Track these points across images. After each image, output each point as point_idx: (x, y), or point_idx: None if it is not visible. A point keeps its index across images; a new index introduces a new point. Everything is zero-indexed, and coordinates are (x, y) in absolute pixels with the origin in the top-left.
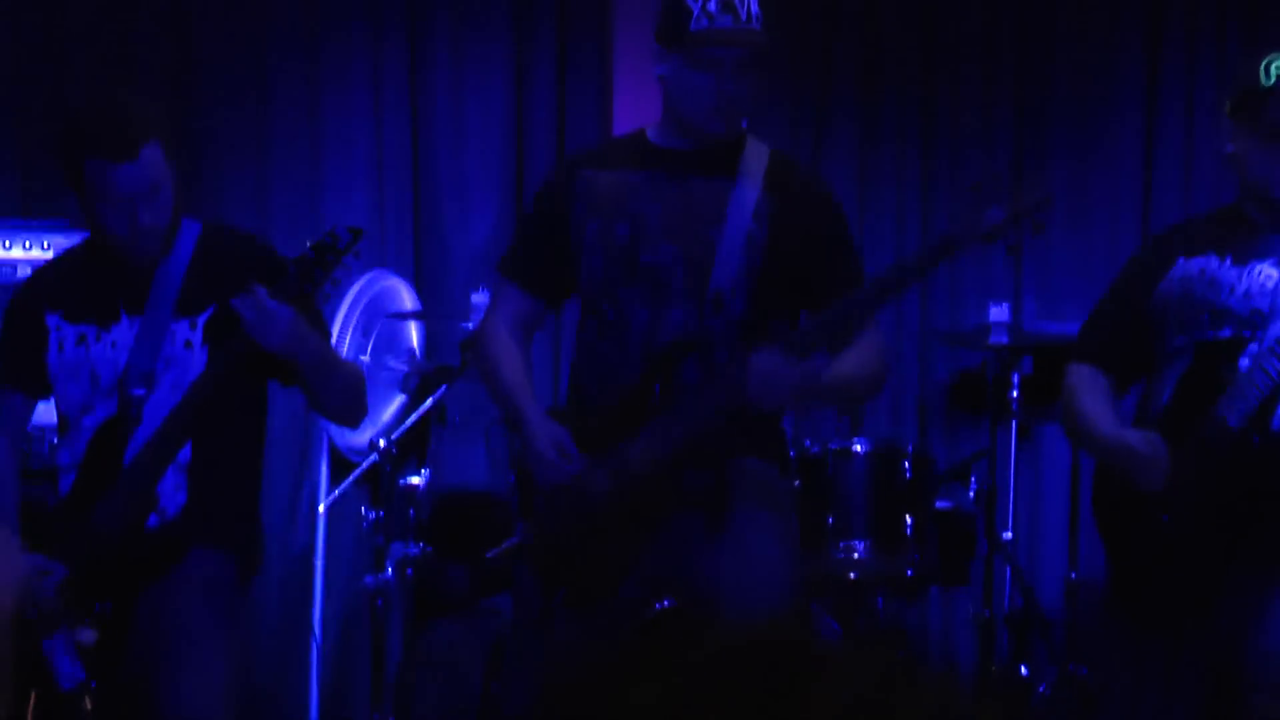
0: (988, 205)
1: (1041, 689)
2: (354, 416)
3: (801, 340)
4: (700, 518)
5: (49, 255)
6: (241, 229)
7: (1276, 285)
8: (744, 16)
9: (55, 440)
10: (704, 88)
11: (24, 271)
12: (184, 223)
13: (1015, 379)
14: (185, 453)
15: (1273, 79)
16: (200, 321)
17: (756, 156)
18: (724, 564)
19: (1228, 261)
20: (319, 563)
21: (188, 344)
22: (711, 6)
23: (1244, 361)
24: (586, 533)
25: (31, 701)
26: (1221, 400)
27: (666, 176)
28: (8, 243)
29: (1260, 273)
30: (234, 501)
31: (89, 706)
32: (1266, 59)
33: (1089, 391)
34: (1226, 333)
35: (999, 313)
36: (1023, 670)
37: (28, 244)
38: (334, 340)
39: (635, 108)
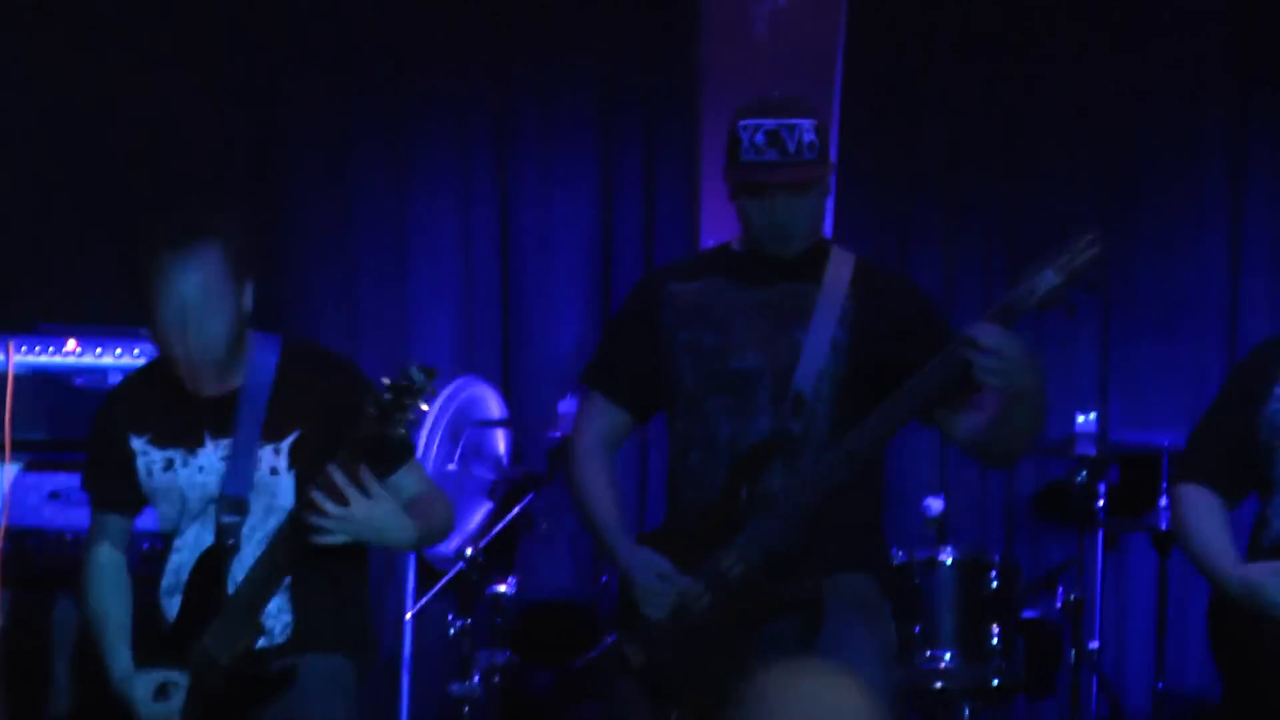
0: (1042, 269)
1: None
2: (438, 546)
3: (1001, 310)
4: (794, 625)
5: (139, 361)
6: (322, 346)
7: None
8: (793, 149)
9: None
10: (756, 215)
11: (114, 378)
12: (263, 340)
13: (1102, 488)
14: (288, 579)
15: None
16: (284, 447)
17: (841, 263)
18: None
19: None
20: (405, 671)
21: (273, 470)
22: (759, 138)
23: None
24: (693, 651)
25: None
26: None
27: (752, 284)
28: (99, 350)
29: None
30: (341, 609)
31: None
32: None
33: (1204, 518)
34: None
35: (1086, 423)
36: None
37: (119, 351)
38: (420, 449)
39: (721, 221)
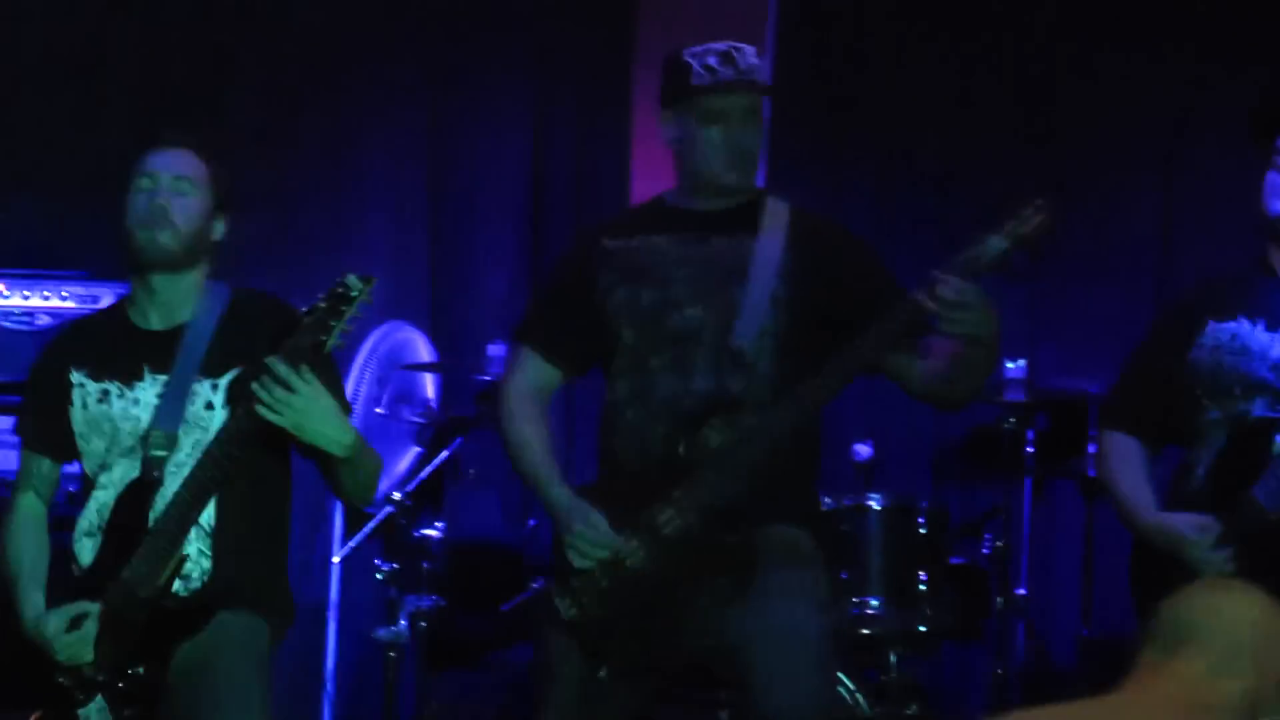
0: (989, 234)
1: None
2: (363, 500)
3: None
4: (732, 582)
5: (68, 305)
6: (270, 294)
7: None
8: (744, 67)
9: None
10: (714, 140)
11: (42, 320)
12: (214, 286)
13: (1030, 435)
14: (209, 517)
15: None
16: (222, 384)
17: (777, 214)
18: (753, 628)
19: (1260, 325)
20: (333, 615)
21: (208, 405)
22: (711, 60)
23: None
24: (625, 606)
25: None
26: (1258, 483)
27: (690, 239)
28: (27, 293)
29: None
30: (260, 565)
31: None
32: None
33: (1127, 466)
34: (1260, 407)
35: (1014, 369)
36: None
37: (46, 294)
38: (349, 390)
39: (654, 171)
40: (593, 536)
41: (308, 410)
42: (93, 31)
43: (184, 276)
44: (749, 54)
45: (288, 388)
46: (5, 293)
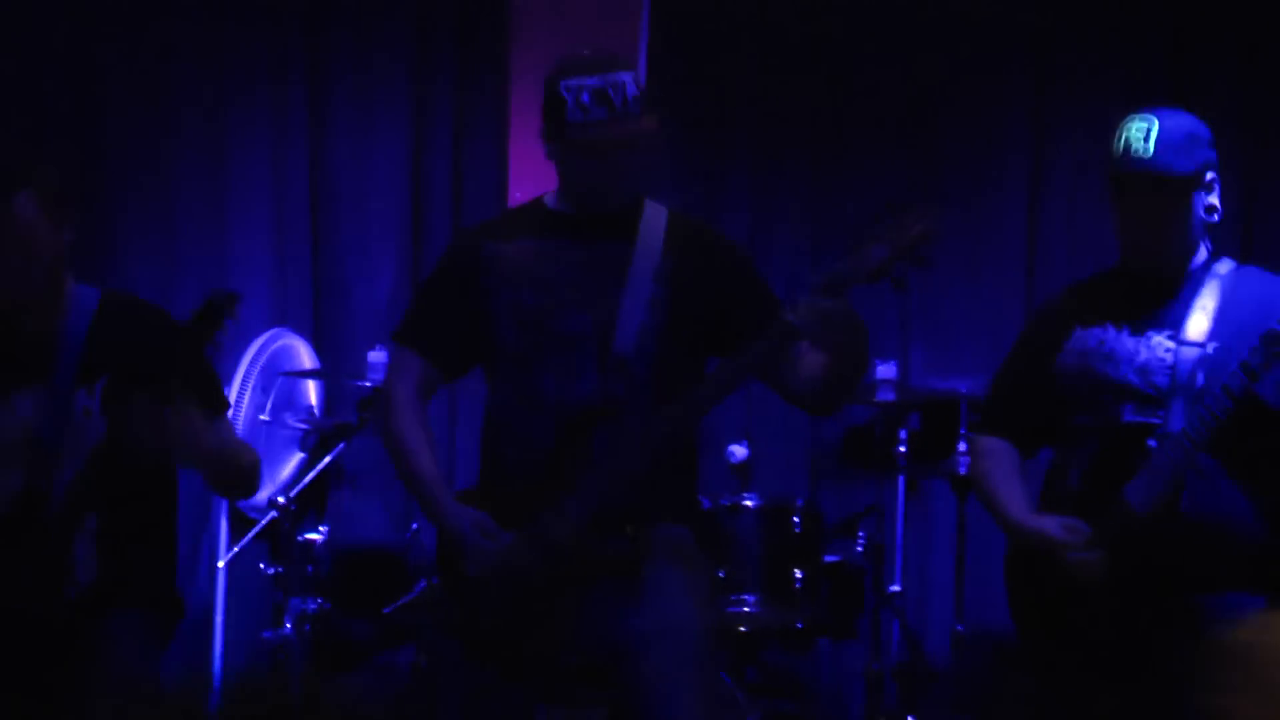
0: (871, 242)
1: None
2: (243, 495)
3: (829, 282)
4: (618, 583)
5: None
6: (138, 297)
7: (1174, 360)
8: (619, 105)
9: None
10: (587, 171)
11: None
12: (81, 290)
13: (903, 435)
14: (93, 522)
15: (1120, 143)
16: (97, 389)
17: (655, 218)
18: (639, 625)
19: (1125, 332)
20: (219, 618)
21: (86, 411)
22: (585, 99)
23: (1151, 442)
24: (514, 611)
25: None
26: (1130, 486)
27: (570, 242)
28: None
29: (1158, 345)
30: (148, 565)
31: None
32: (1122, 125)
33: (999, 468)
34: (1129, 412)
35: (886, 370)
36: None
37: None
38: (232, 400)
39: (529, 173)
40: (483, 543)
41: (173, 431)
42: None
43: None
44: (626, 86)
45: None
46: None
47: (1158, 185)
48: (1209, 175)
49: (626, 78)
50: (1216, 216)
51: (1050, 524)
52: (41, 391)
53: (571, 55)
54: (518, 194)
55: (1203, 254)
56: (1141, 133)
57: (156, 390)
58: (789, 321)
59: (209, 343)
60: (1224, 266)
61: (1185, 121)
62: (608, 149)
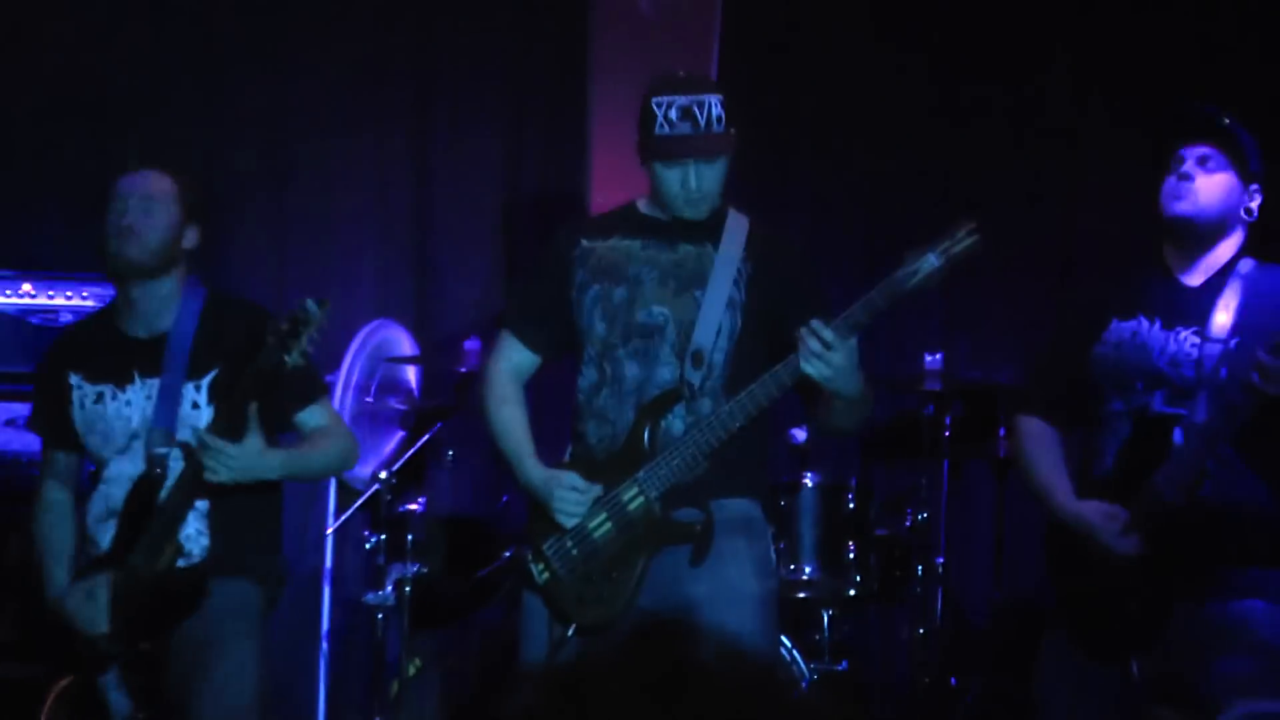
0: (925, 254)
1: (969, 698)
2: (337, 475)
3: (845, 323)
4: (687, 551)
5: (88, 303)
6: (241, 296)
7: (1200, 354)
8: (703, 122)
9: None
10: (672, 181)
11: (65, 317)
12: (193, 291)
13: (947, 420)
14: (205, 500)
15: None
16: (204, 384)
17: (737, 226)
18: (705, 590)
19: (1157, 325)
20: (326, 581)
21: (194, 404)
22: (673, 114)
23: (1178, 434)
24: (592, 573)
25: None
26: (1159, 473)
27: (658, 243)
28: (51, 292)
29: (1185, 339)
30: (254, 538)
31: None
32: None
33: (1042, 450)
34: (1159, 399)
35: (933, 362)
36: (952, 681)
37: (69, 294)
38: (341, 384)
39: (610, 183)
40: (574, 496)
41: (239, 466)
42: (105, 57)
43: (159, 284)
44: (711, 104)
45: (218, 450)
46: (32, 292)
47: (1227, 142)
48: (1257, 184)
49: (712, 99)
50: (1251, 217)
51: (1092, 509)
52: (155, 385)
53: (666, 74)
54: (599, 199)
55: (1231, 251)
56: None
57: (260, 384)
58: (801, 367)
59: (300, 346)
60: (1246, 266)
61: (1243, 134)
62: (689, 163)
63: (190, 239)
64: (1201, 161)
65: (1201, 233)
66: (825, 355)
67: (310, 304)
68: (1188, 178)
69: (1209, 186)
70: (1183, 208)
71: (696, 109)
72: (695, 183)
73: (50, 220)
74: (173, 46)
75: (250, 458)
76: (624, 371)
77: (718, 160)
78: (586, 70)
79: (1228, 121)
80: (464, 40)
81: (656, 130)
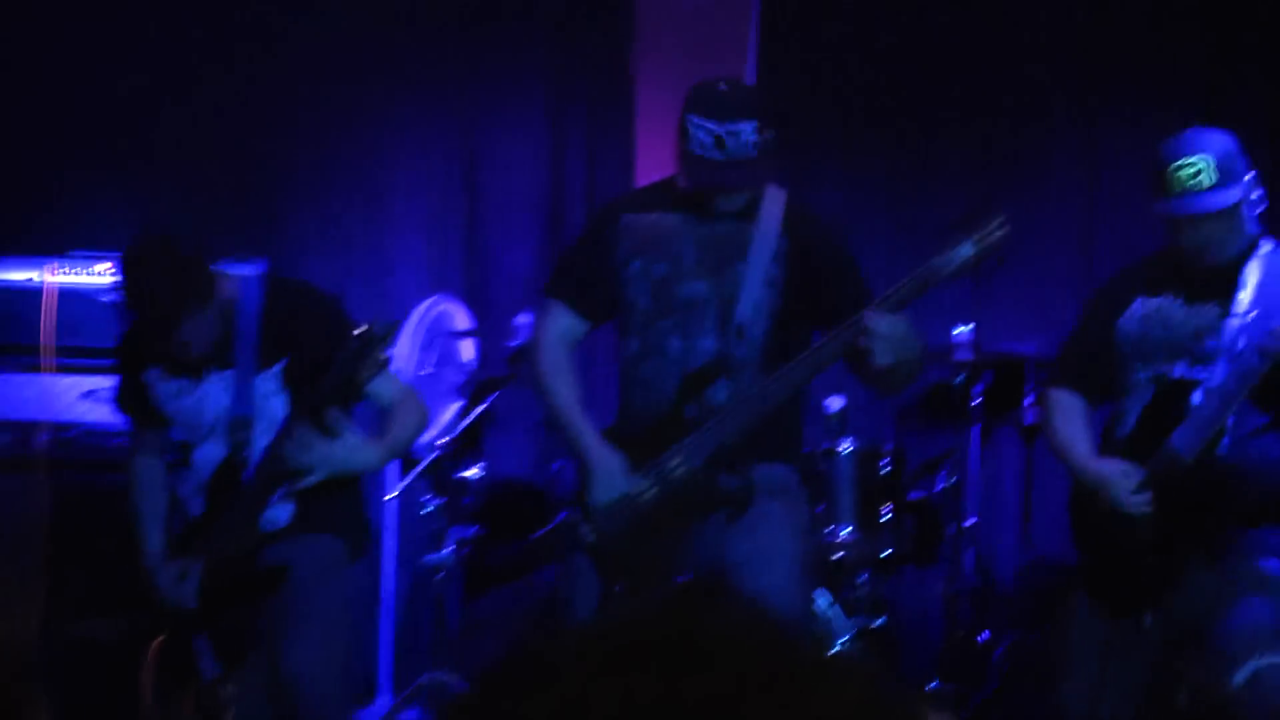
0: (960, 242)
1: (998, 652)
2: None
3: (895, 296)
4: (728, 514)
5: None
6: (301, 281)
7: (1222, 328)
8: (734, 149)
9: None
10: (707, 193)
11: None
12: (245, 281)
13: (977, 389)
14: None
15: (1172, 187)
16: (275, 373)
17: (774, 202)
18: (743, 550)
19: (1180, 301)
20: (389, 544)
21: (268, 393)
22: (705, 138)
23: (1196, 397)
24: (638, 535)
25: (189, 693)
26: (1176, 433)
27: (697, 219)
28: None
29: (1208, 313)
30: (337, 497)
31: (227, 695)
32: (1168, 168)
33: (1067, 418)
34: (1180, 367)
35: (963, 334)
36: (982, 635)
37: None
38: (400, 354)
39: (654, 163)
40: (612, 480)
41: (329, 460)
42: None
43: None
44: (744, 133)
45: (309, 448)
46: (107, 272)
47: (1215, 218)
48: (1250, 180)
49: (747, 126)
50: (1263, 204)
51: (1110, 468)
52: (229, 376)
53: (707, 87)
54: (643, 180)
55: (1250, 236)
56: (1190, 176)
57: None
58: (848, 333)
59: (370, 364)
60: (1267, 246)
61: (1224, 144)
62: (717, 186)
63: (208, 288)
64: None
65: (1225, 248)
66: (888, 340)
67: (379, 325)
68: (1194, 215)
69: (1216, 223)
70: (1201, 254)
71: (729, 138)
72: (725, 194)
73: (126, 203)
74: (234, 33)
75: (347, 452)
76: (667, 343)
77: (746, 177)
78: (631, 54)
79: (1217, 150)
80: (512, 26)
81: (689, 148)
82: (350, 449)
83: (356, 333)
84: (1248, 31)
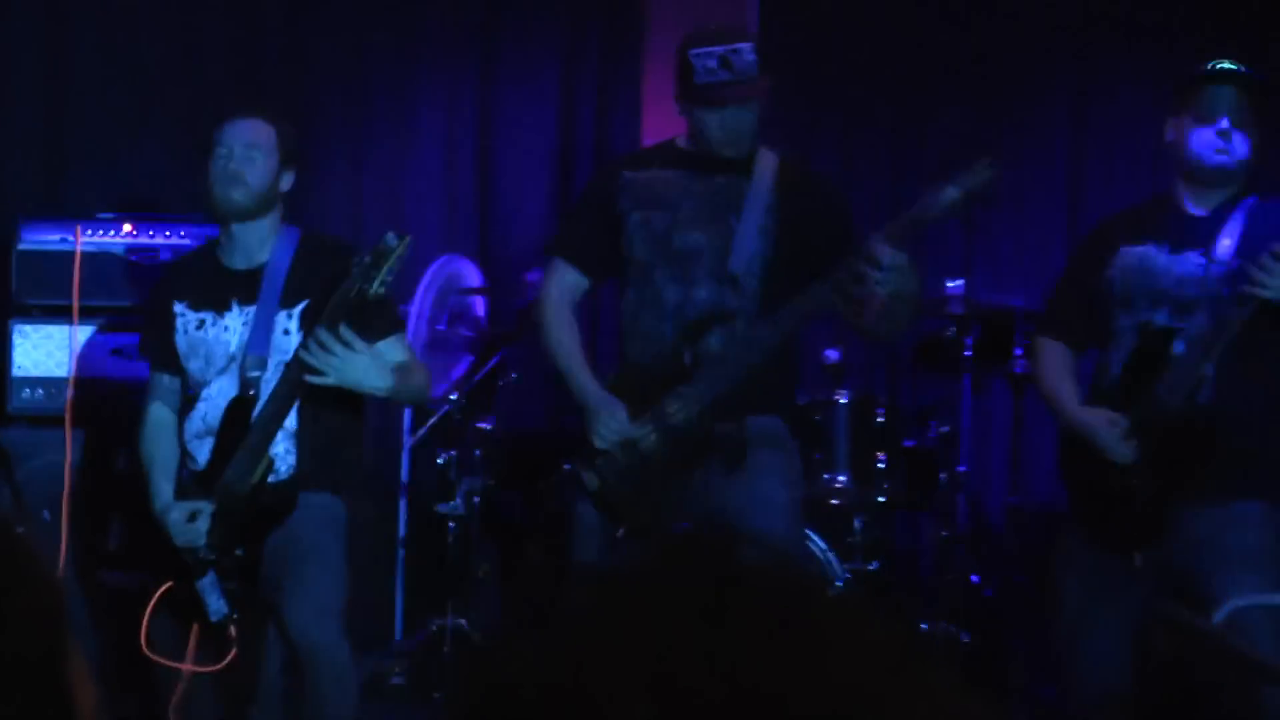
0: (945, 187)
1: (988, 593)
2: (419, 404)
3: (887, 234)
4: (722, 461)
5: (186, 242)
6: (332, 235)
7: (1203, 275)
8: (739, 67)
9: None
10: (712, 125)
11: (165, 255)
12: (287, 229)
13: (968, 341)
14: (293, 421)
15: (1215, 63)
16: (296, 312)
17: (767, 161)
18: (738, 498)
19: (1165, 249)
20: (403, 494)
21: (286, 331)
22: (711, 63)
23: (1179, 345)
24: (639, 480)
25: (194, 631)
26: (1160, 381)
27: (695, 175)
28: (151, 232)
29: (1191, 261)
30: (337, 456)
31: (233, 634)
32: (1211, 61)
33: (1055, 368)
34: (1163, 315)
35: (955, 287)
36: (974, 578)
37: (168, 233)
38: (415, 313)
39: (661, 127)
40: (613, 424)
41: (345, 369)
42: (200, 16)
43: (259, 224)
44: (745, 52)
45: (329, 351)
46: (133, 232)
47: (1253, 90)
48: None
49: (745, 46)
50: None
51: (1096, 416)
52: (251, 312)
53: (701, 28)
54: (650, 142)
55: (1236, 189)
56: (1232, 63)
57: (346, 309)
58: (854, 264)
59: (381, 277)
60: (1249, 199)
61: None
62: (728, 105)
63: (286, 182)
64: (1235, 116)
65: (1235, 179)
66: (888, 275)
67: (391, 237)
68: (1228, 135)
69: (1242, 142)
70: (1226, 162)
71: (732, 56)
72: (734, 123)
73: (148, 166)
74: (259, 4)
75: (361, 363)
76: (664, 293)
77: (752, 103)
78: (639, 24)
79: (1257, 79)
80: (529, 4)
81: (696, 79)
82: (363, 367)
83: (371, 248)
84: (1237, 6)
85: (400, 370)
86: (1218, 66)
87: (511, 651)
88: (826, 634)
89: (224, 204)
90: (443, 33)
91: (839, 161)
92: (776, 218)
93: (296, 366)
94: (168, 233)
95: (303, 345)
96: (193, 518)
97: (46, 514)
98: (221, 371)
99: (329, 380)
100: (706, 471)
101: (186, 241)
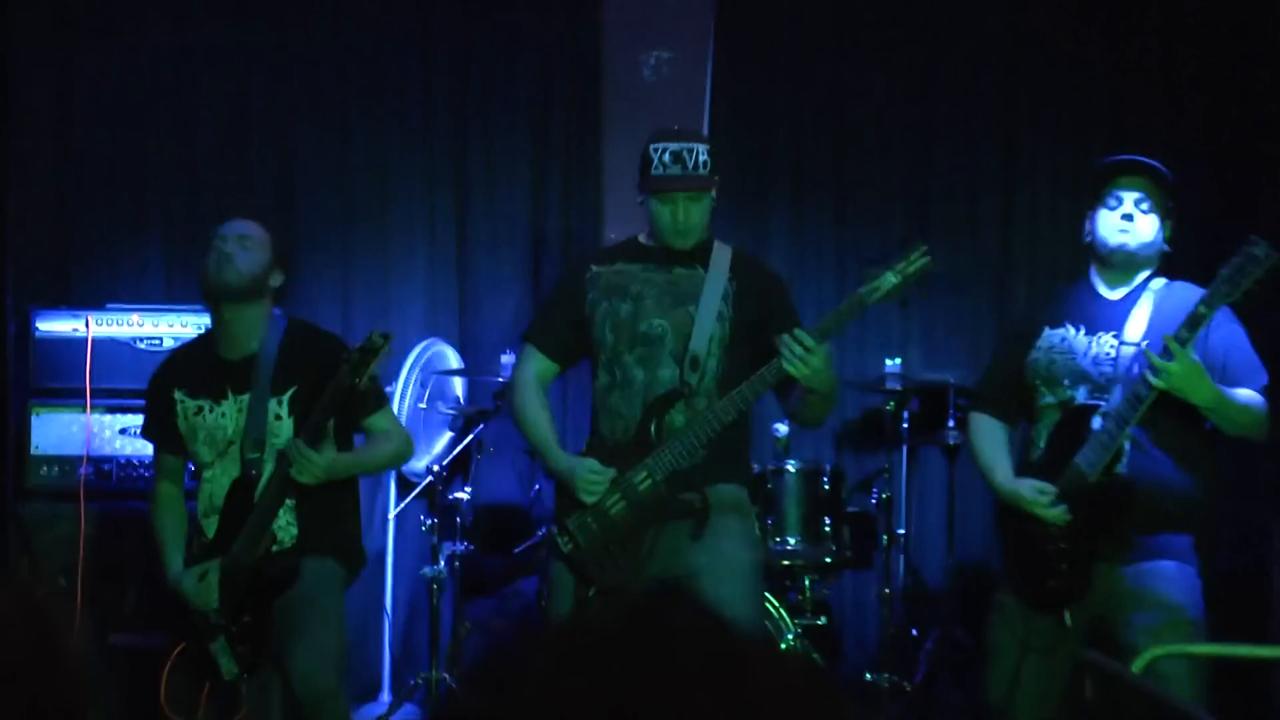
0: (883, 272)
1: (927, 645)
2: (397, 468)
3: (824, 324)
4: (687, 527)
5: (189, 332)
6: (315, 324)
7: (1116, 356)
8: (691, 166)
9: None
10: (665, 215)
11: (169, 343)
12: (275, 318)
13: (905, 415)
14: (293, 500)
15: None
16: (285, 399)
17: (722, 253)
18: (703, 560)
19: (1081, 330)
20: (389, 557)
21: (277, 417)
22: (666, 157)
23: (1096, 421)
24: (608, 543)
25: (206, 690)
26: (1080, 453)
27: (655, 266)
28: (156, 321)
29: (1105, 342)
30: (335, 524)
31: (244, 692)
32: (1118, 154)
33: (988, 441)
34: (1083, 393)
35: (893, 365)
36: (913, 631)
37: (171, 323)
38: (399, 393)
39: (621, 222)
40: (595, 476)
41: (319, 470)
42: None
43: (248, 312)
44: (700, 152)
45: (308, 459)
46: (140, 322)
47: (1161, 180)
48: (1171, 219)
49: (700, 147)
50: (1167, 248)
51: (1025, 486)
52: (245, 400)
53: (663, 128)
54: (611, 235)
55: (1149, 274)
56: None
57: (337, 403)
58: (778, 361)
59: (369, 372)
60: (1158, 283)
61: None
62: (679, 200)
63: (276, 279)
64: (1139, 204)
65: (1138, 263)
66: (805, 357)
67: (377, 337)
68: (1130, 218)
69: (1146, 226)
70: (1127, 242)
71: (686, 154)
72: (683, 216)
73: (154, 262)
74: (250, 114)
75: (327, 463)
76: (632, 375)
77: (703, 198)
78: (600, 130)
79: (1164, 172)
80: (495, 110)
81: (653, 171)
82: (327, 460)
83: (358, 345)
84: (1148, 70)
85: (375, 440)
86: (1122, 158)
87: (478, 700)
88: (761, 684)
89: (215, 284)
90: (423, 146)
91: (788, 247)
92: (732, 304)
93: (288, 460)
94: (171, 322)
95: (290, 444)
96: (203, 577)
97: (63, 580)
98: (222, 455)
99: (306, 481)
100: (674, 536)
101: (189, 330)
